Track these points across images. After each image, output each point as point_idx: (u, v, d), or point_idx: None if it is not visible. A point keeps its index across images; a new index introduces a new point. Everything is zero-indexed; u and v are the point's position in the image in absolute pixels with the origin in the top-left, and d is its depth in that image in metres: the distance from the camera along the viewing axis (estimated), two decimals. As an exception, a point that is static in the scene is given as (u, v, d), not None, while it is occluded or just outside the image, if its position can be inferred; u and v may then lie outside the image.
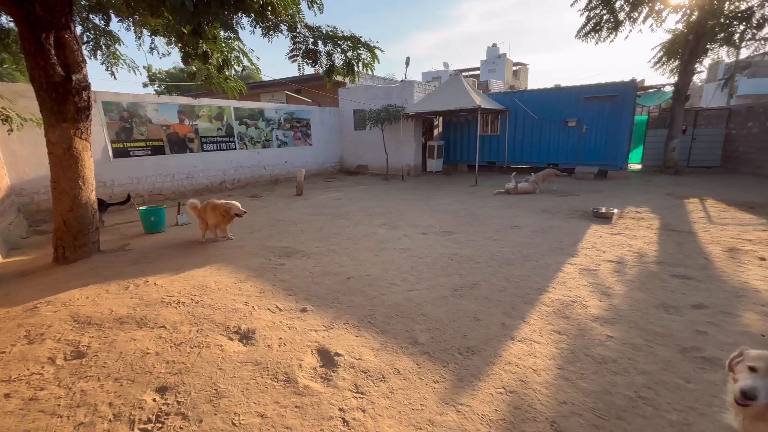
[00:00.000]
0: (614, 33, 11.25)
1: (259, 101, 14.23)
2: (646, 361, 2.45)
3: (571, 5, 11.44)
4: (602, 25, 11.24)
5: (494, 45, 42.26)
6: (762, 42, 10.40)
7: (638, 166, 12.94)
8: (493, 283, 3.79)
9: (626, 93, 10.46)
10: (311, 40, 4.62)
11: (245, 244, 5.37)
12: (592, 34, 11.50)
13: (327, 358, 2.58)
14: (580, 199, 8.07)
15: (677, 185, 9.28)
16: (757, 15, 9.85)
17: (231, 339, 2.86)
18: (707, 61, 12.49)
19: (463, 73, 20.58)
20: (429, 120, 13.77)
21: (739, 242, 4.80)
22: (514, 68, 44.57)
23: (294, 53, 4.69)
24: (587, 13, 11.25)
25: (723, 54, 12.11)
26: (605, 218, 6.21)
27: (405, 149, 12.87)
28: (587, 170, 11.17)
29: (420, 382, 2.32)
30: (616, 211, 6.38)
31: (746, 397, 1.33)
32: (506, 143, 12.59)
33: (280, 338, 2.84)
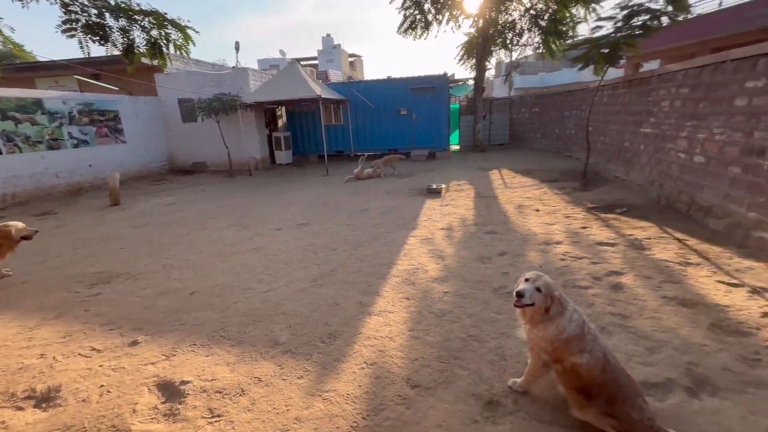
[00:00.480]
0: (426, 31, 12.97)
1: (34, 88, 10.83)
2: (471, 306, 3.00)
3: (390, 2, 12.59)
4: (416, 24, 12.79)
5: (329, 35, 43.08)
6: (523, 47, 13.77)
7: (457, 147, 15.52)
8: (349, 266, 3.95)
9: (441, 85, 12.28)
10: (94, 11, 3.66)
11: (33, 279, 4.05)
12: (410, 31, 12.98)
13: (171, 391, 2.21)
14: (416, 179, 9.15)
15: (484, 160, 11.55)
16: (518, 26, 12.95)
17: (20, 408, 2.13)
18: (493, 60, 15.79)
19: (302, 63, 20.27)
20: (271, 110, 13.10)
21: (524, 200, 6.34)
22: (350, 59, 46.61)
23: (70, 26, 3.62)
24: (404, 11, 12.59)
25: (503, 55, 15.51)
26: (436, 193, 7.24)
27: (248, 142, 11.96)
28: (420, 153, 12.75)
29: (284, 382, 2.24)
30: (444, 186, 7.51)
31: (518, 296, 1.81)
32: (351, 132, 13.14)
33: (102, 386, 2.28)
